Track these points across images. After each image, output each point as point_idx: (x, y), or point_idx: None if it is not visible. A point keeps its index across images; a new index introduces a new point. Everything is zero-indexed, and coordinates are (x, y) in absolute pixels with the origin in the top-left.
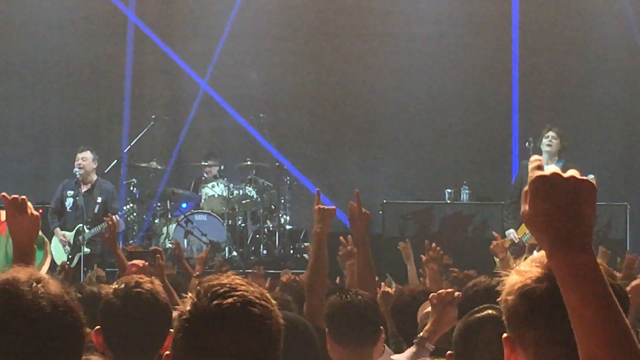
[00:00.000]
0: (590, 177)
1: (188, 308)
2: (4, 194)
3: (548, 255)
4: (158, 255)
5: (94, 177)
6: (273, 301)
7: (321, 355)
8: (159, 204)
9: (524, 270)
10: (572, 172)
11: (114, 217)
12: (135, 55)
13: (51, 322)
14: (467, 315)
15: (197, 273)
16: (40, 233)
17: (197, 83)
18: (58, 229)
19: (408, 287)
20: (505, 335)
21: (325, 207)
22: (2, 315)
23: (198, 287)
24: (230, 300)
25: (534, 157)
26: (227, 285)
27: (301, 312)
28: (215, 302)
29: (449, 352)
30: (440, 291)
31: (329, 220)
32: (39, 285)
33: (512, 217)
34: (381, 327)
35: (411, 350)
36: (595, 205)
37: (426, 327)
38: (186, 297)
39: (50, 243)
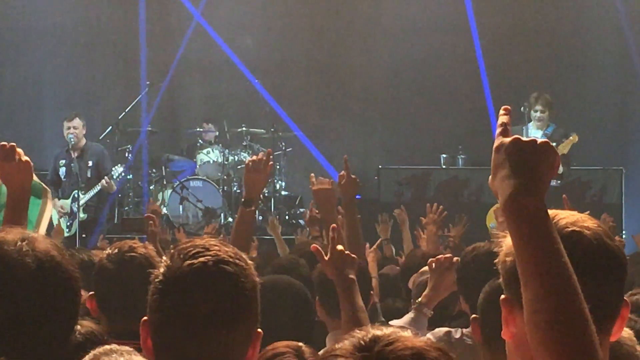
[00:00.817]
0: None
1: (161, 270)
2: (2, 143)
3: (502, 207)
4: (151, 221)
5: (84, 141)
6: (248, 261)
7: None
8: (154, 170)
9: None
10: (532, 137)
11: (106, 179)
12: (129, 19)
13: (37, 278)
14: (494, 279)
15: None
16: (39, 182)
17: (192, 47)
18: (55, 200)
19: (420, 251)
20: (503, 296)
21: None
22: None
23: (172, 250)
24: (202, 259)
25: (501, 118)
26: (200, 246)
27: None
28: (187, 262)
29: (473, 315)
30: (439, 256)
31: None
32: (24, 244)
33: None
34: (371, 293)
35: (409, 315)
36: (554, 165)
37: (425, 293)
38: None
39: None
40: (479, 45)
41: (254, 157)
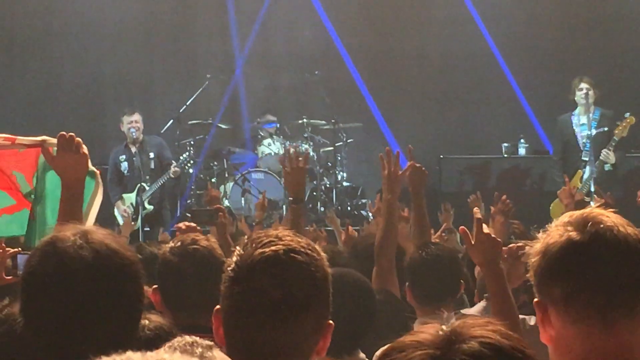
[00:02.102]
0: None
1: (234, 259)
2: (62, 133)
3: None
4: (220, 213)
5: (141, 135)
6: (321, 252)
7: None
8: (215, 162)
9: (546, 233)
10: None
11: (173, 167)
12: (189, 14)
13: (96, 268)
14: None
15: (257, 220)
16: (92, 168)
17: (252, 40)
18: (119, 203)
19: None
20: (535, 300)
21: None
22: (47, 274)
23: (245, 240)
24: (274, 248)
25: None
26: (273, 236)
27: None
28: (259, 250)
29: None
30: (511, 245)
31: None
32: (78, 237)
33: (559, 174)
34: (461, 281)
35: (481, 304)
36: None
37: None
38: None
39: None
40: (533, 34)
41: (288, 156)
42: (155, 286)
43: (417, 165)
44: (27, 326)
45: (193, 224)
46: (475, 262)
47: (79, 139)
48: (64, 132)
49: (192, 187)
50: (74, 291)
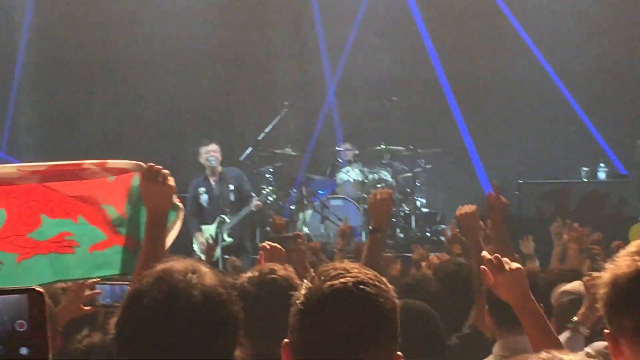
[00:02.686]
0: None
1: (303, 292)
2: (150, 164)
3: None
4: (299, 239)
5: (220, 168)
6: (388, 284)
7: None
8: (294, 190)
9: (614, 264)
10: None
11: (255, 201)
12: (266, 43)
13: (201, 312)
14: None
15: (338, 247)
16: (176, 201)
17: (330, 68)
18: (198, 234)
19: (558, 268)
20: (606, 331)
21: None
22: (155, 303)
23: (313, 273)
24: (342, 280)
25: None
26: (341, 268)
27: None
28: (327, 283)
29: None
30: (595, 274)
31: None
32: (194, 275)
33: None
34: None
35: (565, 335)
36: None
37: (580, 311)
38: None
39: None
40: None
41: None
42: None
43: (502, 198)
44: (118, 341)
45: (276, 245)
46: (505, 299)
47: (166, 171)
48: (152, 163)
49: (271, 212)
50: (174, 325)
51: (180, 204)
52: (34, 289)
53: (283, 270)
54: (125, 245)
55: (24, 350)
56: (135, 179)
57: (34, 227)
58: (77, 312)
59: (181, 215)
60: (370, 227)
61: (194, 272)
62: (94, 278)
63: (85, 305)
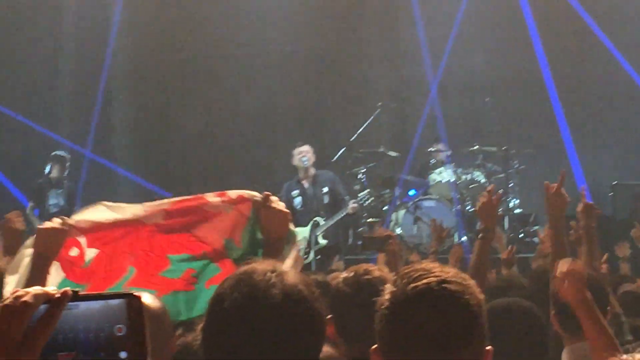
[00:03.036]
0: None
1: (386, 297)
2: (266, 192)
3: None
4: (391, 240)
5: (312, 170)
6: (470, 280)
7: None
8: (387, 190)
9: None
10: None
11: (352, 203)
12: (359, 43)
13: (282, 310)
14: None
15: (433, 249)
16: (292, 228)
17: (423, 69)
18: None
19: None
20: None
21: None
22: (235, 304)
23: (394, 277)
24: (425, 281)
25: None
26: (422, 269)
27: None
28: (411, 285)
29: None
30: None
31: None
32: (273, 275)
33: None
34: (608, 308)
35: None
36: None
37: None
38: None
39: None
40: None
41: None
42: (328, 317)
43: (562, 190)
44: (204, 344)
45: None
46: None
47: (275, 198)
48: (268, 193)
49: (364, 214)
50: (257, 325)
51: (296, 231)
52: (131, 294)
53: (378, 271)
54: None
55: (123, 355)
56: (252, 213)
57: (164, 267)
58: None
59: (297, 244)
60: (479, 229)
61: (273, 272)
62: None
63: None
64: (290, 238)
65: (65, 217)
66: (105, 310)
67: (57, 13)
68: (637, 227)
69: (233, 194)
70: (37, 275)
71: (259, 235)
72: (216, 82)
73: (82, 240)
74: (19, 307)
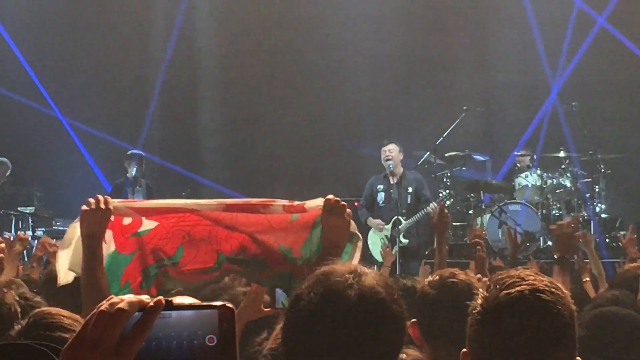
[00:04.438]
0: None
1: (479, 302)
2: (329, 196)
3: None
4: (479, 247)
5: (401, 169)
6: (565, 290)
7: None
8: (472, 194)
9: None
10: None
11: (433, 204)
12: (446, 47)
13: (357, 311)
14: None
15: (510, 258)
16: (354, 230)
17: (508, 71)
18: (371, 218)
19: None
20: None
21: None
22: (311, 305)
23: (488, 282)
24: (518, 288)
25: None
26: (516, 276)
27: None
28: (504, 292)
29: None
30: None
31: None
32: (351, 276)
33: None
34: None
35: None
36: None
37: None
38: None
39: (365, 238)
40: None
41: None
42: (413, 320)
43: None
44: (284, 344)
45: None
46: None
47: (344, 203)
48: (331, 196)
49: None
50: (333, 325)
51: (358, 234)
52: (225, 305)
53: (464, 274)
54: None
55: None
56: (318, 219)
57: (209, 264)
58: (257, 314)
59: (359, 244)
60: (556, 257)
61: (351, 273)
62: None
63: (265, 307)
64: (353, 239)
65: (109, 197)
66: (198, 320)
67: (145, 19)
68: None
69: (302, 203)
70: (89, 256)
71: (319, 241)
72: (304, 86)
73: (142, 217)
74: (114, 313)
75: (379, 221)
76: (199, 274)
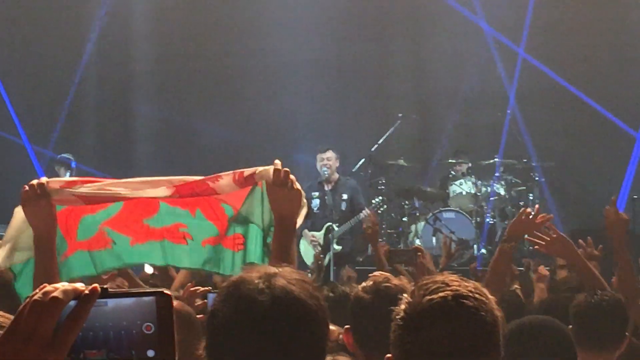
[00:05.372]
0: None
1: (402, 307)
2: (277, 168)
3: None
4: (419, 253)
5: (336, 175)
6: (489, 296)
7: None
8: (406, 202)
9: None
10: None
11: (366, 210)
12: (382, 54)
13: (271, 314)
14: None
15: (441, 266)
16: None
17: (443, 79)
18: (306, 231)
19: None
20: None
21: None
22: (226, 315)
23: (412, 287)
24: (441, 294)
25: None
26: (440, 282)
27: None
28: (427, 297)
29: None
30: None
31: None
32: (260, 281)
33: None
34: (626, 334)
35: None
36: None
37: None
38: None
39: (298, 245)
40: None
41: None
42: (347, 327)
43: (620, 213)
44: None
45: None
46: None
47: (293, 176)
48: (279, 167)
49: (383, 226)
50: (251, 335)
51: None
52: (162, 292)
53: (397, 280)
54: (231, 248)
55: (150, 353)
56: (257, 188)
57: (151, 214)
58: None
59: (303, 212)
60: (503, 238)
61: (261, 278)
62: (201, 269)
63: (198, 314)
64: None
65: (44, 181)
66: (134, 308)
67: (80, 23)
68: None
69: (248, 171)
70: (41, 257)
71: (261, 211)
72: (238, 91)
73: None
74: (48, 303)
75: (312, 235)
76: (140, 225)
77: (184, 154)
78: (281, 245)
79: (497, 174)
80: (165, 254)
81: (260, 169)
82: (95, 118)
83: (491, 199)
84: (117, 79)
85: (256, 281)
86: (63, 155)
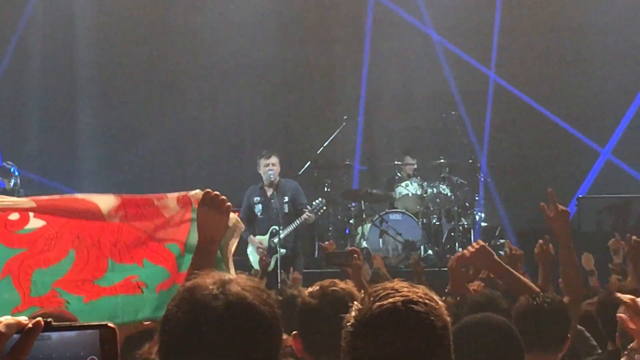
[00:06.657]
0: None
1: (353, 314)
2: (207, 190)
3: None
4: (355, 255)
5: (277, 178)
6: (439, 301)
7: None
8: (353, 204)
9: None
10: None
11: (307, 214)
12: (327, 57)
13: (226, 321)
14: None
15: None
16: (235, 221)
17: (388, 81)
18: (251, 236)
19: (616, 285)
20: None
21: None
22: (179, 320)
23: (362, 294)
24: (391, 300)
25: None
26: (390, 288)
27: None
28: (377, 303)
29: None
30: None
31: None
32: (214, 287)
33: None
34: (568, 335)
35: None
36: None
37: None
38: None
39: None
40: None
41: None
42: (295, 332)
43: (561, 207)
44: None
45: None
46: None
47: (224, 197)
48: (209, 190)
49: (330, 228)
50: (205, 341)
51: (240, 224)
52: (106, 325)
53: (344, 283)
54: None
55: None
56: (194, 210)
57: (100, 274)
58: (138, 327)
59: (236, 235)
60: (447, 291)
61: (215, 283)
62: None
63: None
64: (232, 232)
65: None
66: (79, 341)
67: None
68: (616, 237)
69: (183, 194)
70: None
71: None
72: (182, 95)
73: (30, 213)
74: None
75: (258, 240)
76: (90, 286)
77: (128, 159)
78: (198, 264)
79: (442, 175)
80: (122, 309)
81: (197, 190)
82: (38, 123)
83: (437, 200)
84: (60, 85)
85: (210, 287)
86: (4, 164)
